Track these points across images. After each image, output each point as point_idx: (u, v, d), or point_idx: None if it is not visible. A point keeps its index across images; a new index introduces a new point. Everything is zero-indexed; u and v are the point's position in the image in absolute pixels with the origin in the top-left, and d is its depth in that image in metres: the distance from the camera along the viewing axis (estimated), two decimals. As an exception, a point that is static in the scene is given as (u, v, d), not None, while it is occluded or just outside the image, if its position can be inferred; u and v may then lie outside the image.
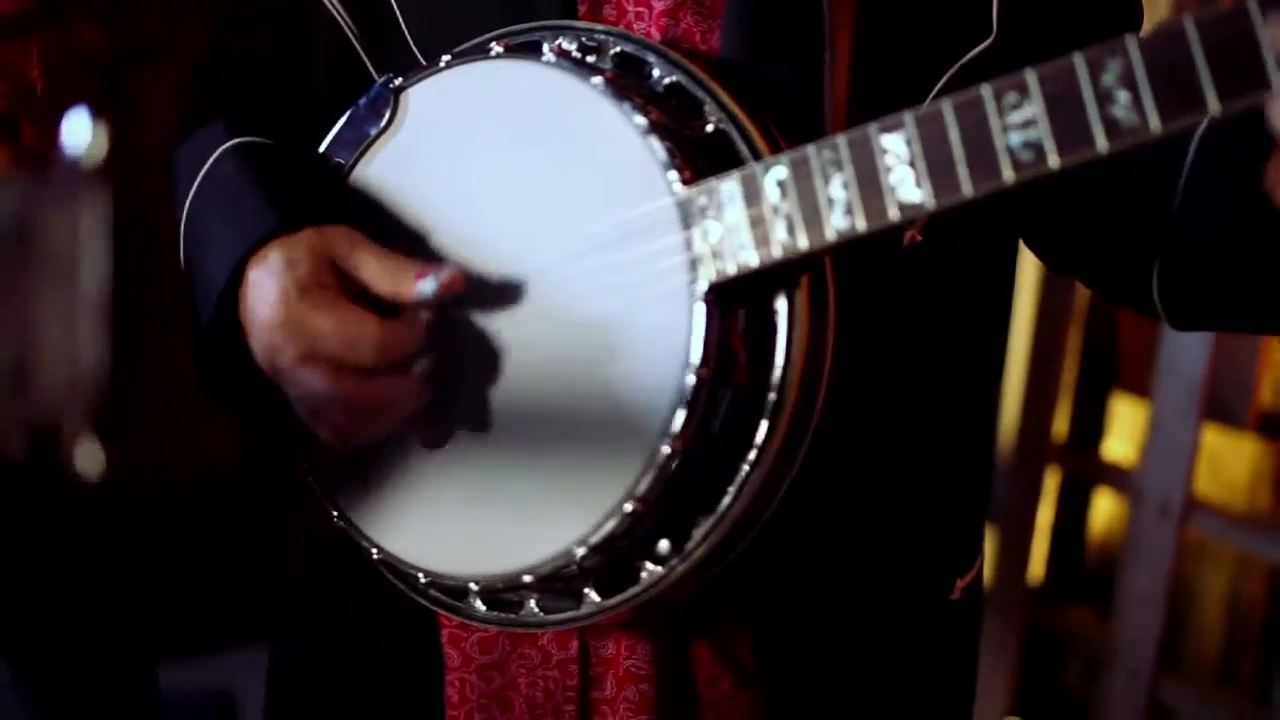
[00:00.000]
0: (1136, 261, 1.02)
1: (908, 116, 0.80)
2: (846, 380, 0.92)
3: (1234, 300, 0.98)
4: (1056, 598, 2.73)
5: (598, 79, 0.89)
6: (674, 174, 0.87)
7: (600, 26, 0.94)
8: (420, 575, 0.96)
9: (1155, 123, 0.75)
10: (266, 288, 0.90)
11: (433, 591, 0.98)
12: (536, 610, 0.95)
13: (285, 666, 1.18)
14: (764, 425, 0.87)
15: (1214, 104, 0.74)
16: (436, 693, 1.06)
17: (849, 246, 0.84)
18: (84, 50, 1.15)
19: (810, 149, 0.83)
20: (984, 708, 2.67)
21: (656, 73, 0.92)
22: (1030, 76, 0.77)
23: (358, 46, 1.06)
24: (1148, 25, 1.03)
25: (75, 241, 0.50)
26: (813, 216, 0.83)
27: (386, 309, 0.90)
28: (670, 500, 0.88)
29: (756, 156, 0.87)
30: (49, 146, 1.11)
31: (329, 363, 0.88)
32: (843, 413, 0.93)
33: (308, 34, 1.08)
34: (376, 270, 0.90)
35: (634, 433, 0.87)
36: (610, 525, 0.88)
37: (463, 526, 0.95)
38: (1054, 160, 0.77)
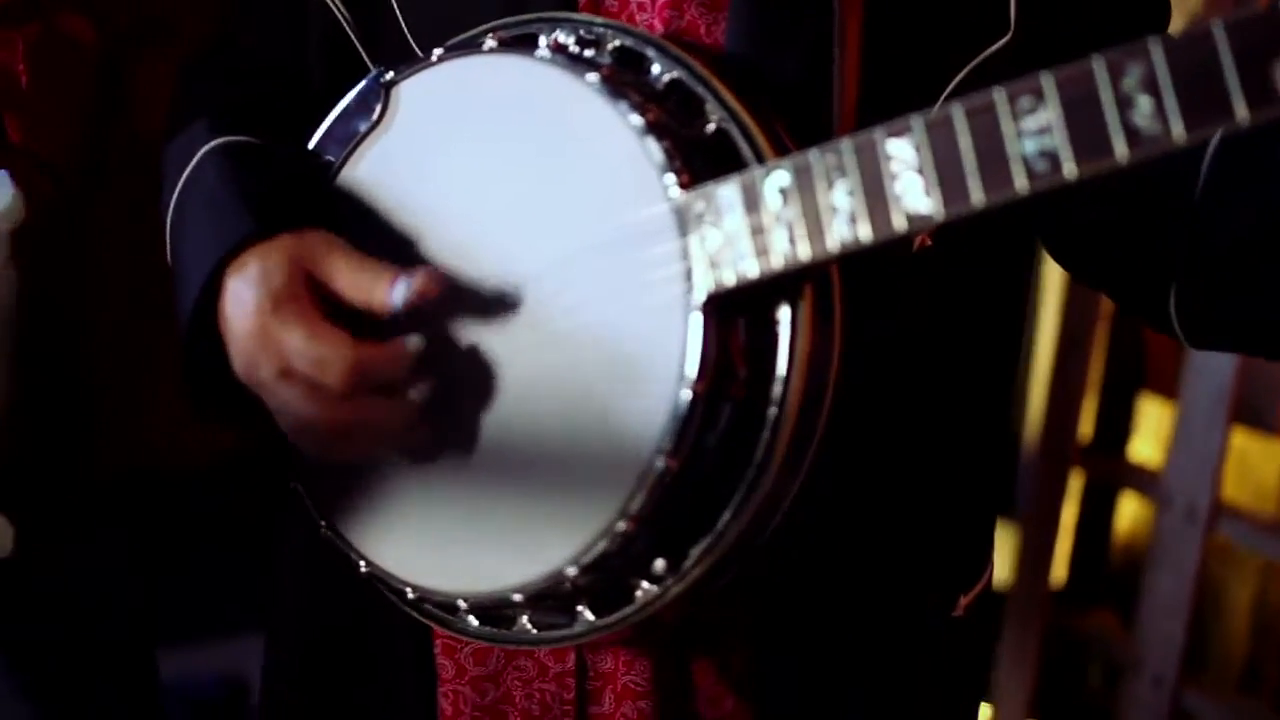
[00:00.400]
0: (1152, 275, 0.98)
1: (916, 121, 0.76)
2: (851, 393, 0.88)
3: (1255, 320, 0.93)
4: (1079, 601, 2.70)
5: (593, 76, 0.85)
6: (671, 177, 0.83)
7: (599, 19, 0.91)
8: (409, 590, 0.93)
9: (1179, 131, 0.70)
10: (243, 298, 0.87)
11: (425, 605, 0.96)
12: (529, 627, 0.92)
13: (276, 674, 1.16)
14: (764, 441, 0.84)
15: (1242, 112, 0.69)
16: (430, 705, 1.03)
17: (854, 256, 0.80)
18: (72, 42, 1.12)
19: (813, 153, 0.79)
20: (1004, 710, 2.64)
21: (657, 69, 0.88)
22: (1046, 80, 0.73)
23: (353, 37, 1.03)
24: (1177, 24, 0.99)
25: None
26: (815, 226, 0.79)
27: (371, 321, 0.87)
28: (665, 519, 0.85)
29: (760, 159, 0.83)
30: (34, 141, 1.09)
31: (302, 381, 0.85)
32: (848, 427, 0.89)
33: (301, 25, 1.05)
34: (349, 280, 0.87)
35: (627, 449, 0.83)
36: (602, 545, 0.84)
37: (453, 541, 0.92)
38: (1070, 169, 0.72)
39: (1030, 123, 0.73)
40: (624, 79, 0.87)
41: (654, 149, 0.83)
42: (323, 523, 0.96)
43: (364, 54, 1.02)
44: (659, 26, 0.93)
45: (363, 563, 0.95)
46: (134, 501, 1.38)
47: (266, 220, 0.89)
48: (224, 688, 2.33)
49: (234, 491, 1.57)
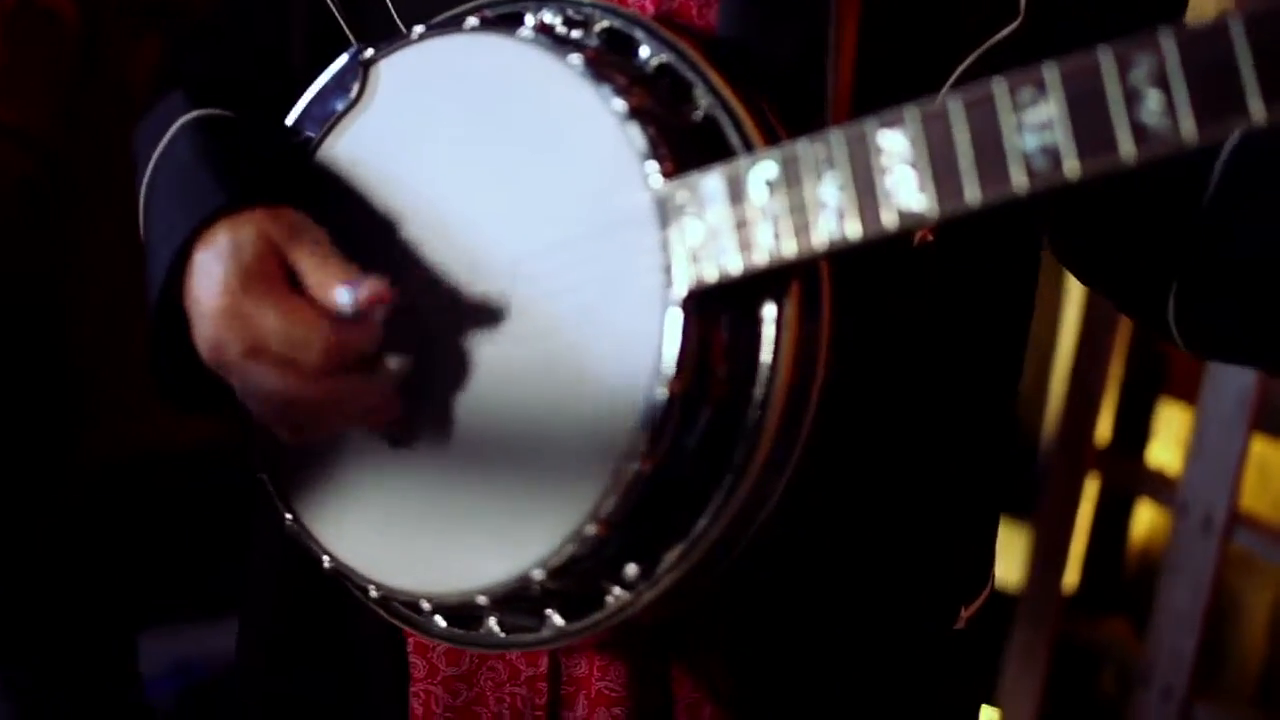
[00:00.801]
0: (1152, 278, 0.93)
1: (910, 112, 0.72)
2: (841, 395, 0.84)
3: (1258, 333, 0.88)
4: (1091, 607, 2.66)
5: (576, 57, 0.81)
6: (653, 165, 0.79)
7: None
8: (372, 588, 0.90)
9: (1189, 128, 0.65)
10: (212, 272, 0.84)
11: (391, 604, 0.92)
12: (497, 629, 0.88)
13: (247, 667, 1.13)
14: (744, 445, 0.79)
15: (1258, 110, 0.64)
16: (401, 705, 1.00)
17: (843, 253, 0.76)
18: (50, 15, 1.09)
19: (801, 144, 0.75)
20: (1012, 715, 2.60)
21: (645, 52, 0.84)
22: (1049, 71, 0.68)
23: (336, 13, 0.99)
24: (1192, 15, 0.94)
25: None
26: (801, 221, 0.75)
27: None
28: (638, 522, 0.81)
29: (749, 148, 0.79)
30: (12, 117, 1.06)
31: (274, 359, 0.82)
32: (836, 430, 0.85)
33: (285, 3, 1.02)
34: (309, 265, 0.83)
35: (600, 449, 0.79)
36: (571, 548, 0.80)
37: (419, 539, 0.88)
38: (1072, 167, 0.68)
39: (1031, 116, 0.68)
40: (610, 62, 0.83)
41: (636, 135, 0.79)
42: (288, 516, 0.93)
43: (349, 33, 0.99)
44: (650, 8, 0.90)
45: (326, 558, 0.91)
46: (120, 488, 1.35)
47: (239, 193, 0.86)
48: (211, 670, 2.31)
49: (220, 474, 1.55)
